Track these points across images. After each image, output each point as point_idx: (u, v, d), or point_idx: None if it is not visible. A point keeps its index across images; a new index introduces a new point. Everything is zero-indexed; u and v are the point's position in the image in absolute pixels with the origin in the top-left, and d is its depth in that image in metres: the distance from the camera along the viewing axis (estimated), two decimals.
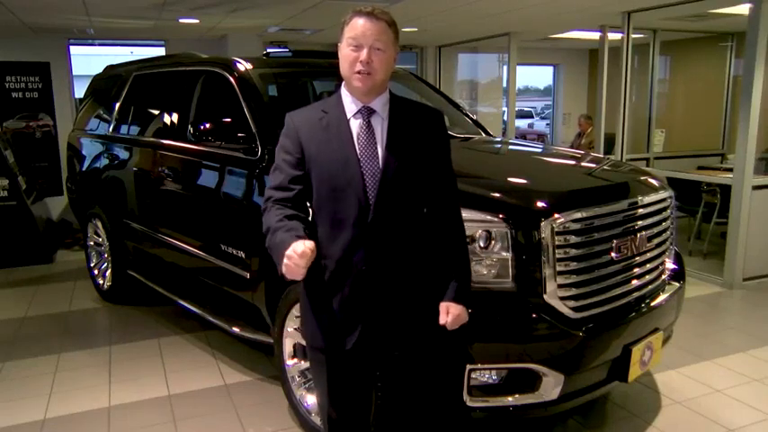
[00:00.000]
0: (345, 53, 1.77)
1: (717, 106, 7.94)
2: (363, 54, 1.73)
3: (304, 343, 2.64)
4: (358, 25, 1.75)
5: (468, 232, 2.25)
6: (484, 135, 3.89)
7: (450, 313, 1.84)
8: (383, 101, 1.83)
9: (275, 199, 1.82)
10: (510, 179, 2.72)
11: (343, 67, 1.78)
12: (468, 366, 2.29)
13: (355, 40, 1.74)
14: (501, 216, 2.31)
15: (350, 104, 1.82)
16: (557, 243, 2.33)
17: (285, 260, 1.60)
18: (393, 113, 1.83)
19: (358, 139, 1.79)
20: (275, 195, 1.83)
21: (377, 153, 1.78)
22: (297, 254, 1.57)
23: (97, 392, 3.31)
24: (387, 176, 1.76)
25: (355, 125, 1.80)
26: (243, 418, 3.01)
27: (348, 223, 1.76)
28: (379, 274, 1.78)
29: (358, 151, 1.77)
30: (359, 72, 1.74)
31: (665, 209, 2.82)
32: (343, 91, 1.85)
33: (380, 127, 1.81)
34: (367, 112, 1.81)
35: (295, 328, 2.76)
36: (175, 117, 3.88)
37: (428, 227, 1.87)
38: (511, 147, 3.94)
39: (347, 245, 1.77)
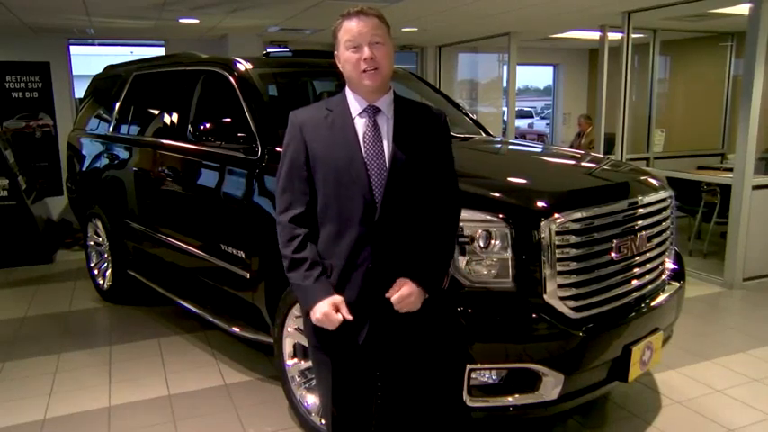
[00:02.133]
0: (347, 56, 1.78)
1: (717, 106, 7.95)
2: (366, 52, 1.74)
3: (304, 343, 2.67)
4: (352, 26, 1.76)
5: (467, 232, 2.27)
6: (484, 135, 3.89)
7: (400, 289, 1.78)
8: (388, 100, 1.84)
9: (286, 207, 1.84)
10: (510, 179, 2.72)
11: (348, 71, 1.79)
12: (468, 366, 2.29)
13: (353, 42, 1.75)
14: (501, 216, 2.31)
15: (355, 104, 1.83)
16: (557, 243, 2.33)
17: (315, 318, 1.78)
18: (398, 113, 1.84)
19: (364, 137, 1.79)
20: (285, 201, 1.85)
21: (383, 151, 1.79)
22: (332, 324, 1.77)
23: (97, 392, 3.31)
24: (394, 174, 1.77)
25: (360, 124, 1.81)
26: (243, 418, 3.01)
27: (354, 221, 1.77)
28: (385, 271, 1.79)
29: (363, 150, 1.78)
30: (365, 70, 1.75)
31: (665, 209, 2.81)
32: (348, 91, 1.86)
33: (386, 126, 1.82)
34: (373, 111, 1.82)
35: (295, 328, 2.76)
36: (175, 117, 3.88)
37: (430, 223, 1.87)
38: (511, 147, 3.94)
39: (354, 243, 1.78)
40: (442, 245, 1.89)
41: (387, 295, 1.79)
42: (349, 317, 1.77)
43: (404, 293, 1.78)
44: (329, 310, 1.76)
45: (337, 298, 1.78)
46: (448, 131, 1.95)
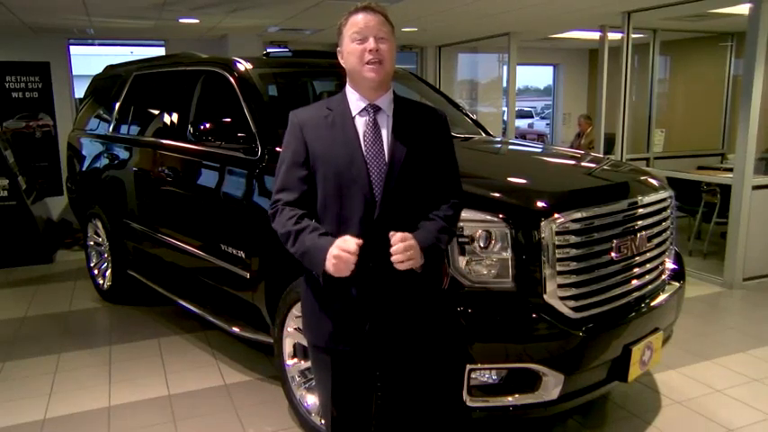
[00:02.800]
0: (352, 48, 1.78)
1: (717, 106, 7.95)
2: (371, 43, 1.75)
3: (304, 343, 2.67)
4: (359, 20, 1.77)
5: (467, 232, 2.27)
6: (484, 135, 3.89)
7: (400, 237, 1.69)
8: (388, 99, 1.84)
9: (284, 202, 1.83)
10: (510, 179, 2.72)
11: (352, 63, 1.79)
12: (468, 366, 2.29)
13: (359, 34, 1.76)
14: (501, 216, 2.31)
15: (355, 102, 1.83)
16: (557, 243, 2.33)
17: (333, 260, 1.67)
18: (398, 112, 1.84)
19: (364, 136, 1.79)
20: (283, 198, 1.84)
21: (383, 150, 1.79)
22: (349, 251, 1.65)
23: (97, 392, 3.31)
24: (393, 173, 1.77)
25: (361, 123, 1.81)
26: (243, 418, 3.01)
27: (354, 221, 1.76)
28: (385, 271, 1.78)
29: (364, 148, 1.78)
30: (369, 62, 1.75)
31: (665, 209, 2.82)
32: (349, 89, 1.86)
33: (386, 124, 1.82)
34: (373, 110, 1.82)
35: (295, 328, 2.76)
36: (175, 117, 3.88)
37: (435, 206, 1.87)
38: (511, 147, 3.94)
39: None
40: (442, 223, 1.83)
41: (392, 244, 1.68)
42: (360, 240, 1.67)
43: (399, 237, 1.68)
44: (340, 241, 1.67)
45: (345, 236, 1.69)
46: (448, 131, 1.94)
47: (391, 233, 1.70)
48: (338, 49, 1.85)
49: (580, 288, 2.40)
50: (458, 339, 2.26)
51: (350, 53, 1.79)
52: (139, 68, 4.56)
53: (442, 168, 1.88)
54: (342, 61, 1.84)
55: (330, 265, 1.68)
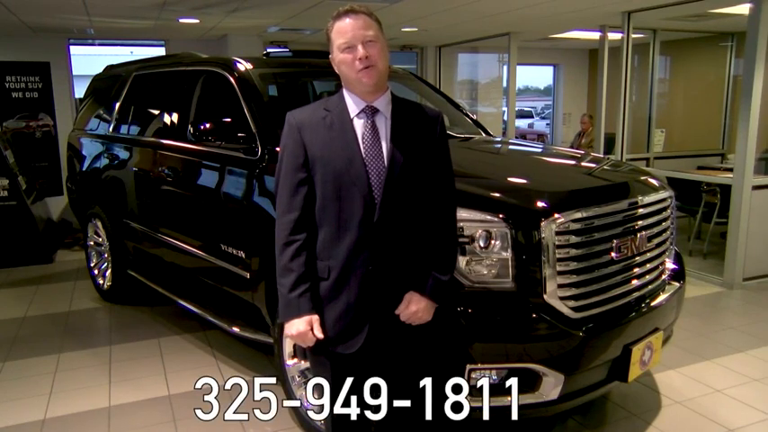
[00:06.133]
0: (342, 58, 1.79)
1: (717, 106, 7.95)
2: (360, 51, 1.74)
3: None
4: (343, 28, 1.78)
5: (468, 232, 2.27)
6: (484, 135, 3.89)
7: (409, 305, 1.82)
8: (386, 100, 1.84)
9: (285, 210, 1.83)
10: (510, 179, 2.72)
11: (345, 72, 1.80)
12: (468, 366, 2.29)
13: (347, 43, 1.77)
14: (501, 216, 2.31)
15: (353, 104, 1.83)
16: (557, 243, 2.33)
17: (294, 332, 1.80)
18: (395, 113, 1.84)
19: (363, 138, 1.79)
20: (284, 204, 1.83)
21: (382, 152, 1.78)
22: (304, 341, 1.82)
23: (97, 392, 3.31)
24: (392, 175, 1.76)
25: (359, 124, 1.81)
26: None
27: (353, 223, 1.76)
28: (385, 273, 1.78)
29: (363, 150, 1.77)
30: (362, 69, 1.75)
31: (665, 209, 2.82)
32: (346, 91, 1.86)
33: (384, 126, 1.82)
34: (371, 112, 1.81)
35: None
36: (175, 117, 3.88)
37: (428, 225, 1.87)
38: (511, 147, 3.94)
39: (353, 245, 1.77)
40: (445, 250, 1.89)
41: (396, 312, 1.81)
42: (321, 335, 1.79)
43: (411, 311, 1.81)
44: (305, 329, 1.79)
45: (314, 317, 1.80)
46: (445, 131, 1.94)
47: (398, 311, 1.82)
48: (330, 56, 1.85)
49: (580, 288, 2.40)
50: (458, 339, 2.26)
51: (341, 62, 1.80)
52: (139, 68, 4.56)
53: (437, 168, 1.87)
54: (335, 67, 1.84)
55: (288, 331, 1.83)
